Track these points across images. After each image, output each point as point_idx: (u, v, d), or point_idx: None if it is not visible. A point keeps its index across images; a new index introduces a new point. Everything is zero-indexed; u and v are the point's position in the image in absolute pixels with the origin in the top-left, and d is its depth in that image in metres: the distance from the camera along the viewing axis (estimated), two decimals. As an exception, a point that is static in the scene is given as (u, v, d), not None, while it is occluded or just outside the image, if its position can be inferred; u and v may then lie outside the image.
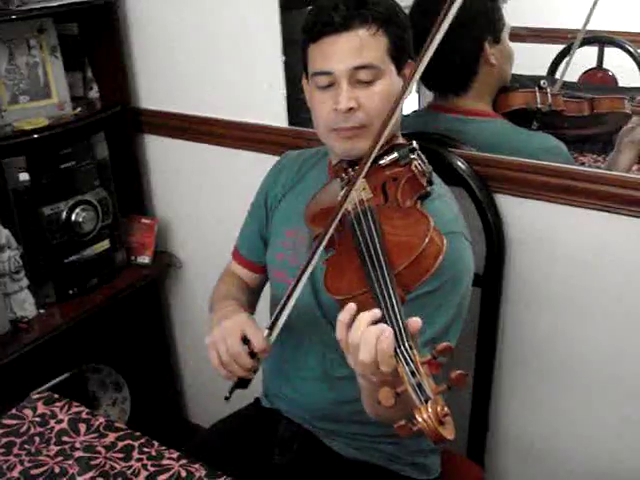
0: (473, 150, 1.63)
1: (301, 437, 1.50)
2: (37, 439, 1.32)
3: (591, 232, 1.55)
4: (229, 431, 1.57)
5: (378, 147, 1.17)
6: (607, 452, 1.67)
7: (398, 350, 0.90)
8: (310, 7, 1.39)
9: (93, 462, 1.26)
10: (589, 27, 2.14)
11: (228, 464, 1.34)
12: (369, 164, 1.18)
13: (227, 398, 1.25)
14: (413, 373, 0.86)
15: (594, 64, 2.41)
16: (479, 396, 1.73)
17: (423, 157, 1.30)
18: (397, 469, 1.48)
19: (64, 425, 1.35)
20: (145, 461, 1.26)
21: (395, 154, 1.30)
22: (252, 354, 1.22)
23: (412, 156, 1.28)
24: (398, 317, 0.94)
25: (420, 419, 0.80)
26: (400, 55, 1.35)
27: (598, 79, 2.41)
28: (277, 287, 1.53)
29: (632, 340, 1.56)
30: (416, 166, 1.26)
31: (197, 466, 1.24)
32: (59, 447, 1.30)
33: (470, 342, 1.68)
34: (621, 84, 2.37)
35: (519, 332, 1.71)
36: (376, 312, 0.97)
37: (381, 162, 1.29)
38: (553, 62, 2.26)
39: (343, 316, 1.01)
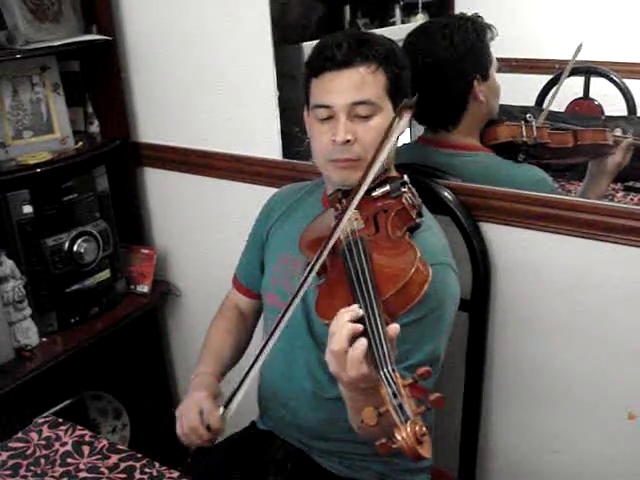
0: (459, 181, 1.69)
1: (295, 457, 1.53)
2: (43, 461, 1.36)
3: (573, 258, 1.59)
4: (225, 452, 1.61)
5: (369, 181, 1.22)
6: (594, 469, 1.71)
7: (382, 372, 0.94)
8: (315, 42, 1.45)
9: (97, 483, 1.31)
10: (576, 58, 2.21)
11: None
12: (360, 197, 1.22)
13: (187, 462, 1.34)
14: (395, 394, 0.91)
15: (581, 94, 2.48)
16: (469, 417, 1.77)
17: (414, 190, 1.35)
18: (388, 487, 1.52)
19: (68, 447, 1.40)
20: (147, 481, 1.30)
21: (387, 187, 1.35)
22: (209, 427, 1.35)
23: (403, 189, 1.33)
24: (383, 342, 0.98)
25: (399, 437, 0.85)
26: (397, 93, 1.40)
27: (584, 109, 2.47)
28: (269, 310, 1.58)
29: (614, 361, 1.60)
30: (406, 199, 1.31)
31: (196, 485, 1.28)
32: (64, 468, 1.34)
33: (459, 365, 1.73)
34: (608, 113, 2.43)
35: (506, 355, 1.75)
36: (355, 307, 1.04)
37: (374, 194, 1.34)
38: (541, 92, 2.32)
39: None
